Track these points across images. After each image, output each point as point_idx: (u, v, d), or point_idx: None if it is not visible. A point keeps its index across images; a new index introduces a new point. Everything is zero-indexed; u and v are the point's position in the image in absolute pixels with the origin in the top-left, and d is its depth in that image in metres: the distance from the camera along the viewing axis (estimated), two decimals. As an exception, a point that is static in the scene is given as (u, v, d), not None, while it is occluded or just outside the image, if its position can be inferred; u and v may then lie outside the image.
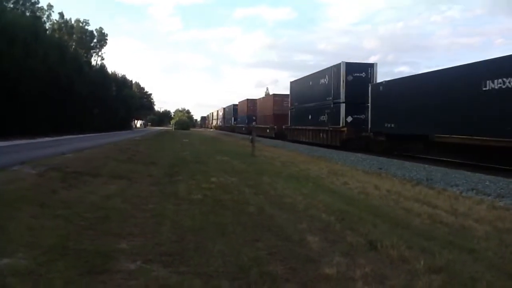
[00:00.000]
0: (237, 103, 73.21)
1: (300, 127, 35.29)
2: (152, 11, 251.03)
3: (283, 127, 41.09)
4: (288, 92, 42.95)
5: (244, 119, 63.88)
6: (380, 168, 15.58)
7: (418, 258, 4.53)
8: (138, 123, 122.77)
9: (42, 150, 19.20)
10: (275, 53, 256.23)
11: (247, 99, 63.01)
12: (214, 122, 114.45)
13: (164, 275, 3.91)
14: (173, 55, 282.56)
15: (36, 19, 46.96)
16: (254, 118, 57.52)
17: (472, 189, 10.83)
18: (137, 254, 4.47)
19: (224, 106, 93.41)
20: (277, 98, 46.74)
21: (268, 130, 47.29)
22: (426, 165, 16.13)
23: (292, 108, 38.27)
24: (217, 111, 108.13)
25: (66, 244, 4.65)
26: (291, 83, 40.00)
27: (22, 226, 5.25)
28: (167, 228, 5.62)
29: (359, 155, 21.57)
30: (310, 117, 32.08)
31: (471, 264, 4.51)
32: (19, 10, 46.15)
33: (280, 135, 42.20)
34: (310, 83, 33.19)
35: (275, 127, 44.28)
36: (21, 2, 48.01)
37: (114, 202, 7.28)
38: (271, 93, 69.51)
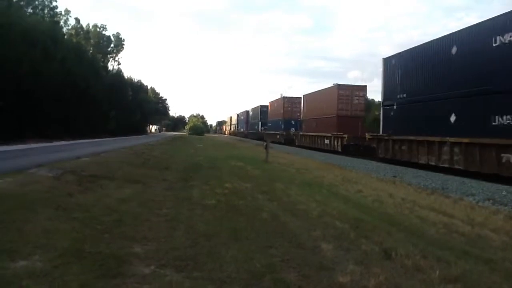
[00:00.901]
0: (267, 103, 59.62)
1: (416, 138, 19.03)
2: (167, 16, 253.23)
3: (368, 136, 24.38)
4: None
5: (278, 124, 49.81)
6: (395, 176, 15.45)
7: (433, 267, 4.48)
8: (153, 128, 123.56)
9: (58, 154, 19.44)
10: (290, 59, 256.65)
11: (284, 97, 49.44)
12: (232, 128, 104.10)
13: (178, 280, 3.92)
14: (187, 60, 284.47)
15: (55, 24, 47.73)
16: (293, 122, 46.26)
17: (489, 199, 10.68)
18: (151, 258, 4.50)
19: (247, 109, 79.69)
20: (344, 92, 32.01)
21: (328, 141, 32.15)
22: (442, 174, 15.95)
23: (391, 105, 21.97)
24: (237, 115, 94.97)
25: (82, 247, 4.69)
26: (387, 59, 23.07)
27: (38, 229, 5.32)
28: (181, 232, 5.64)
29: (374, 162, 21.42)
30: (453, 117, 16.59)
31: (488, 275, 4.44)
32: (38, 16, 46.93)
33: (354, 150, 27.95)
34: (454, 50, 16.93)
35: (345, 136, 28.85)
36: (40, 8, 48.81)
37: (129, 206, 7.33)
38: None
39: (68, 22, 59.37)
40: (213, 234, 5.56)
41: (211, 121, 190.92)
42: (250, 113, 75.56)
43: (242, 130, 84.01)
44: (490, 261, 4.94)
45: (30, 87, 31.16)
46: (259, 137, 56.31)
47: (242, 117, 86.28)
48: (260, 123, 62.76)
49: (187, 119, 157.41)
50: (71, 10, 60.92)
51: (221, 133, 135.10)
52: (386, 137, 22.12)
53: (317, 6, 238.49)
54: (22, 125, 30.79)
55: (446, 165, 16.85)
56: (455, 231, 6.55)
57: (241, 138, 71.00)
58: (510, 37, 14.04)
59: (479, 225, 7.16)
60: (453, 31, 16.49)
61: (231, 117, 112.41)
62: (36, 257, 4.29)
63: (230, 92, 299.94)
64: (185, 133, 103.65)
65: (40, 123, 33.52)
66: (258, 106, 65.04)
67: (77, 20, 62.23)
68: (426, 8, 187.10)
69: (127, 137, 54.40)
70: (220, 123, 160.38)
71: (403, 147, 20.45)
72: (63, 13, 56.91)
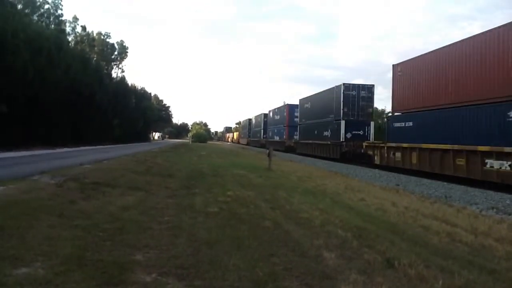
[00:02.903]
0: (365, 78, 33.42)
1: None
2: (171, 24, 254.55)
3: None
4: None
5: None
6: (398, 185, 15.41)
7: (436, 277, 4.45)
8: (156, 135, 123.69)
9: (62, 160, 19.48)
10: (294, 67, 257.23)
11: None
12: (249, 135, 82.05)
13: (179, 288, 3.91)
14: (191, 68, 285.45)
15: (60, 32, 48.05)
16: None
17: (492, 208, 10.64)
18: (152, 266, 4.49)
19: (289, 103, 51.17)
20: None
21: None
22: (445, 183, 15.89)
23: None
24: (264, 114, 66.07)
25: (83, 254, 4.69)
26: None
27: (40, 236, 5.31)
28: (183, 240, 5.63)
29: (376, 171, 21.37)
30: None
31: (491, 285, 4.41)
32: (44, 23, 47.31)
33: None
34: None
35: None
36: (45, 15, 49.23)
37: (131, 213, 7.33)
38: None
39: (76, 30, 60.11)
40: (215, 242, 5.54)
41: (214, 128, 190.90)
42: (306, 106, 41.54)
43: (276, 138, 54.53)
44: (493, 271, 4.91)
45: (35, 94, 31.29)
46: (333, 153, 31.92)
47: (276, 117, 56.68)
48: (342, 123, 30.81)
49: (190, 126, 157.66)
50: (79, 18, 61.24)
51: (225, 141, 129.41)
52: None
53: (321, 15, 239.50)
54: (27, 132, 30.87)
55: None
56: (459, 241, 6.52)
57: (253, 148, 56.26)
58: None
59: (483, 234, 7.12)
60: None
61: (249, 120, 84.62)
62: (38, 264, 4.29)
63: (233, 100, 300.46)
64: (188, 141, 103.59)
65: (44, 130, 33.61)
66: (332, 89, 33.54)
67: (83, 27, 62.77)
68: (429, 17, 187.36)
69: (130, 144, 54.52)
70: (229, 130, 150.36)
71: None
72: (71, 20, 57.66)
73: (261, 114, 68.28)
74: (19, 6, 42.07)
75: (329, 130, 33.13)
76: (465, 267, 4.97)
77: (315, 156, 34.81)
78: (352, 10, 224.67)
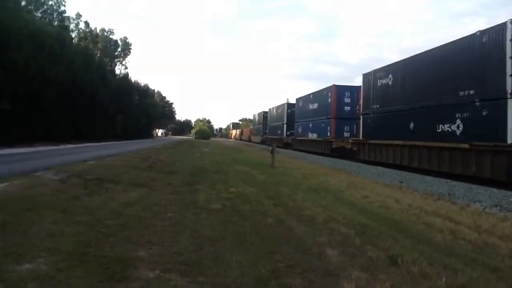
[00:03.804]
0: None
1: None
2: (172, 24, 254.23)
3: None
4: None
5: None
6: (401, 182, 15.36)
7: (440, 274, 4.43)
8: (159, 132, 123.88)
9: (65, 157, 19.52)
10: (297, 64, 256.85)
11: None
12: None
13: (182, 284, 3.91)
14: (194, 65, 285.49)
15: (63, 28, 48.11)
16: None
17: (496, 206, 10.59)
18: (155, 262, 4.48)
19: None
20: None
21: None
22: (449, 180, 15.84)
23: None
24: (284, 105, 51.13)
25: (86, 250, 4.69)
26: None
27: (44, 232, 5.32)
28: (186, 237, 5.63)
29: (379, 168, 21.33)
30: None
31: (495, 283, 4.39)
32: (47, 19, 47.38)
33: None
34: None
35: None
36: (48, 12, 49.29)
37: (134, 209, 7.33)
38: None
39: (79, 26, 60.25)
40: (218, 239, 5.54)
41: (217, 125, 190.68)
42: (382, 82, 22.75)
43: (312, 136, 37.00)
44: (497, 269, 4.89)
45: (38, 90, 31.35)
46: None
47: (311, 106, 38.20)
48: (510, 106, 13.24)
49: (193, 123, 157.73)
50: (82, 15, 61.33)
51: (230, 138, 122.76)
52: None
53: (323, 12, 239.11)
54: (29, 128, 30.97)
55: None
56: (462, 238, 6.49)
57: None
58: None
59: (486, 232, 7.09)
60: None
61: (264, 114, 65.67)
62: (41, 260, 4.29)
63: (235, 97, 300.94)
64: (191, 137, 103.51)
65: (47, 127, 33.69)
66: (471, 37, 15.32)
67: (87, 23, 62.85)
68: (432, 14, 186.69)
69: (133, 141, 54.56)
70: (236, 126, 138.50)
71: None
72: (74, 17, 57.75)
73: (284, 104, 51.76)
74: (23, 3, 42.11)
75: (459, 122, 16.06)
76: (468, 264, 4.95)
77: (418, 170, 18.57)
78: (353, 8, 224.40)
